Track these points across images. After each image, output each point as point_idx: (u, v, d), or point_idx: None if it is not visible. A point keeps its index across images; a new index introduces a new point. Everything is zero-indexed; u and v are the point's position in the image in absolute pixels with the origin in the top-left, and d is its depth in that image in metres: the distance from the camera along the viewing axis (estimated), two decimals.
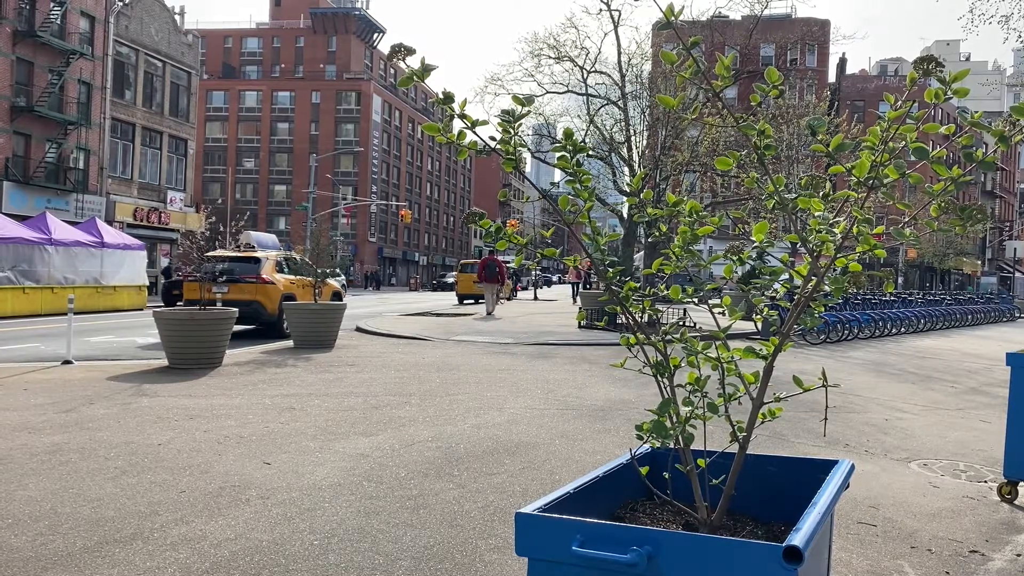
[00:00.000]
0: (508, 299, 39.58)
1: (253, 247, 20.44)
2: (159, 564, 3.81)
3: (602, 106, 25.61)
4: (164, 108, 42.16)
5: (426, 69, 2.38)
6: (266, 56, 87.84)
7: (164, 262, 39.75)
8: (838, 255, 2.46)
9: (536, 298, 42.20)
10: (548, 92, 26.04)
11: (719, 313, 2.72)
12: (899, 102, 2.33)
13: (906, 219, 2.54)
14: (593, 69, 25.22)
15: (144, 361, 11.99)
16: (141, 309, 26.97)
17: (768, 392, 2.52)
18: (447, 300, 39.54)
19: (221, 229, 32.59)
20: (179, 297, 19.34)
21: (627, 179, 24.91)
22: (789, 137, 29.67)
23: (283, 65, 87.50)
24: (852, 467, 2.57)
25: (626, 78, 24.44)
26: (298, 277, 17.15)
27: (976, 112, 2.49)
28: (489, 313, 24.38)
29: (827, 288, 2.49)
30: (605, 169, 25.80)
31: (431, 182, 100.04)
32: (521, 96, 2.44)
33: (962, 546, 4.40)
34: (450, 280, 59.06)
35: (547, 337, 16.54)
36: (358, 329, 17.80)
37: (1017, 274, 74.07)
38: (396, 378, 10.26)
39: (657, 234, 3.02)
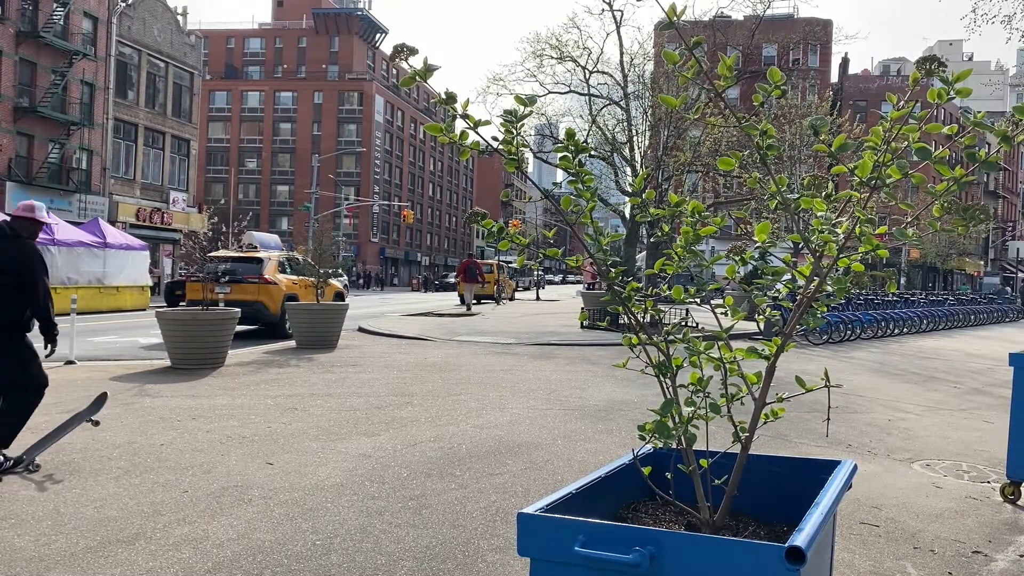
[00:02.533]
0: (511, 299, 39.62)
1: (255, 247, 20.44)
2: (162, 564, 3.81)
3: (604, 106, 25.60)
4: (167, 108, 42.21)
5: (428, 69, 2.38)
6: (268, 56, 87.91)
7: (168, 263, 39.81)
8: (840, 255, 2.46)
9: (538, 298, 42.21)
10: (550, 92, 26.04)
11: (721, 313, 2.72)
12: (902, 102, 2.33)
13: (909, 219, 2.54)
14: (595, 69, 25.20)
15: (147, 361, 12.00)
16: (144, 309, 26.98)
17: (770, 392, 2.52)
18: (449, 300, 39.51)
19: (224, 229, 32.63)
20: (182, 297, 19.36)
21: (629, 179, 24.90)
22: (791, 137, 29.66)
23: (285, 65, 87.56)
24: (855, 467, 2.57)
25: (628, 78, 24.44)
26: (300, 277, 17.17)
27: (979, 112, 2.48)
28: (466, 309, 25.87)
29: (829, 288, 2.49)
30: (607, 169, 25.80)
31: (433, 182, 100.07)
32: (523, 96, 2.44)
33: (965, 547, 4.40)
34: (452, 280, 59.09)
35: (549, 337, 16.54)
36: (360, 329, 17.80)
37: (1020, 274, 73.99)
38: (398, 378, 10.26)
39: (659, 234, 3.02)
